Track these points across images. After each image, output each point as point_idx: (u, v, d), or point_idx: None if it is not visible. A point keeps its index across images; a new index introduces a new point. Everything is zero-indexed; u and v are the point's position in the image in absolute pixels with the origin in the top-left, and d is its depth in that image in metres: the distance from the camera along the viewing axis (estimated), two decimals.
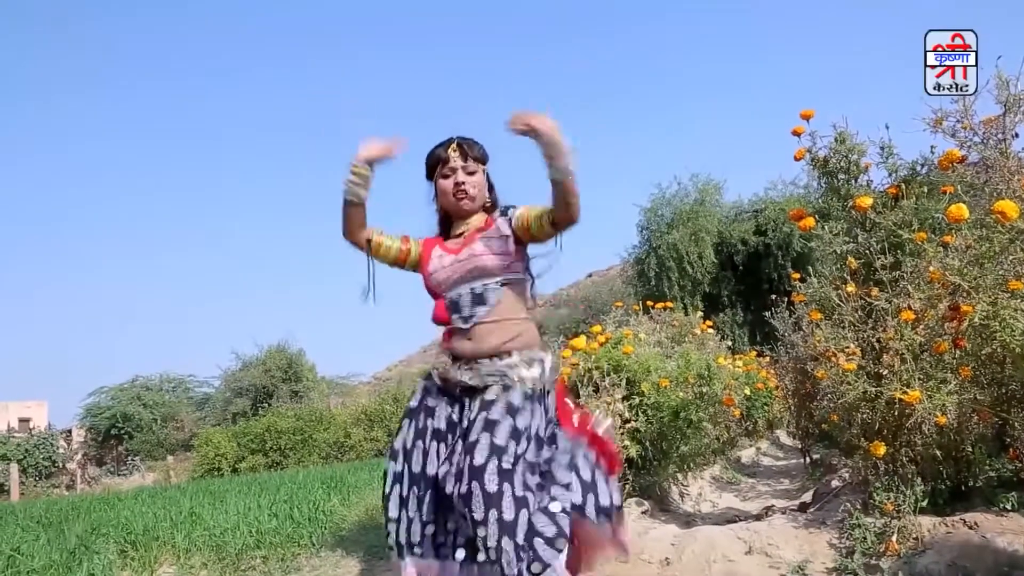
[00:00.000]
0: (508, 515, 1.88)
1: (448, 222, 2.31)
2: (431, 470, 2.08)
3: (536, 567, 1.90)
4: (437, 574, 2.06)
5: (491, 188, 2.30)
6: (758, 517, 3.86)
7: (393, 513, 2.10)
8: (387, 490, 2.14)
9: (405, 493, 2.10)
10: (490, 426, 1.97)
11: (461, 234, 2.24)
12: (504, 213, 2.26)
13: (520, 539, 1.89)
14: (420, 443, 2.12)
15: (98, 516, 5.92)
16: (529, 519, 1.93)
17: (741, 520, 3.83)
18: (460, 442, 2.03)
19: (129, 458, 26.81)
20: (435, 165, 2.24)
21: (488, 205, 2.29)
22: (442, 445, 2.10)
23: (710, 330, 7.42)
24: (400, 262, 2.27)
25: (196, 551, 3.97)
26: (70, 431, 29.45)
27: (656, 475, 4.54)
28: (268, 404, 25.28)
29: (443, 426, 2.12)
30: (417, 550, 2.07)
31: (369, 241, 2.22)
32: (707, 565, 2.87)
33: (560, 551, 1.95)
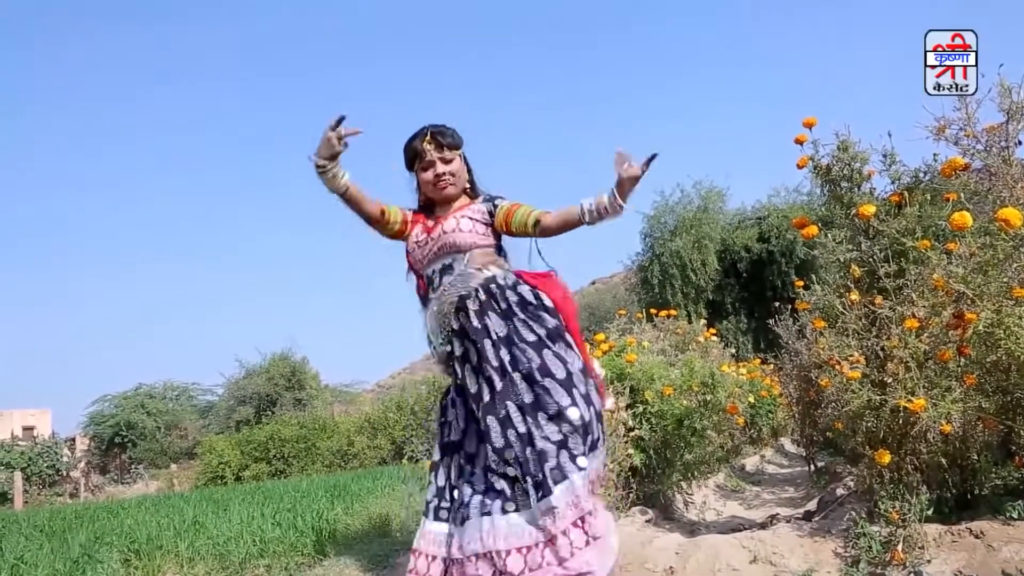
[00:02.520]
0: (522, 428, 2.02)
1: (431, 205, 2.39)
2: (455, 437, 2.24)
3: (558, 473, 1.99)
4: (455, 540, 2.11)
5: (469, 170, 2.39)
6: (763, 526, 3.84)
7: (441, 481, 2.23)
8: (436, 457, 2.27)
9: (462, 462, 2.21)
10: (480, 361, 2.14)
11: (438, 217, 2.35)
12: (488, 200, 2.35)
13: (539, 443, 2.01)
14: (444, 419, 2.31)
15: (101, 525, 5.93)
16: (541, 425, 2.04)
17: (746, 529, 3.81)
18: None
19: (133, 466, 26.82)
20: (413, 158, 2.31)
21: (468, 188, 2.38)
22: (459, 412, 2.26)
23: (714, 338, 7.41)
24: (400, 233, 2.37)
25: (199, 560, 3.96)
26: (74, 439, 29.49)
27: (660, 483, 4.53)
28: (271, 412, 25.27)
29: (458, 396, 2.28)
30: (443, 514, 2.19)
31: (383, 213, 2.29)
32: (712, 574, 2.86)
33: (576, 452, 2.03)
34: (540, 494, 1.94)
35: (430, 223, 2.31)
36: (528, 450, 1.98)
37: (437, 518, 2.20)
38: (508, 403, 2.05)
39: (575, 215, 2.20)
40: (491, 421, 2.05)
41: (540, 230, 2.25)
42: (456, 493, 2.17)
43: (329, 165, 2.12)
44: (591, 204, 2.17)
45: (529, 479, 1.96)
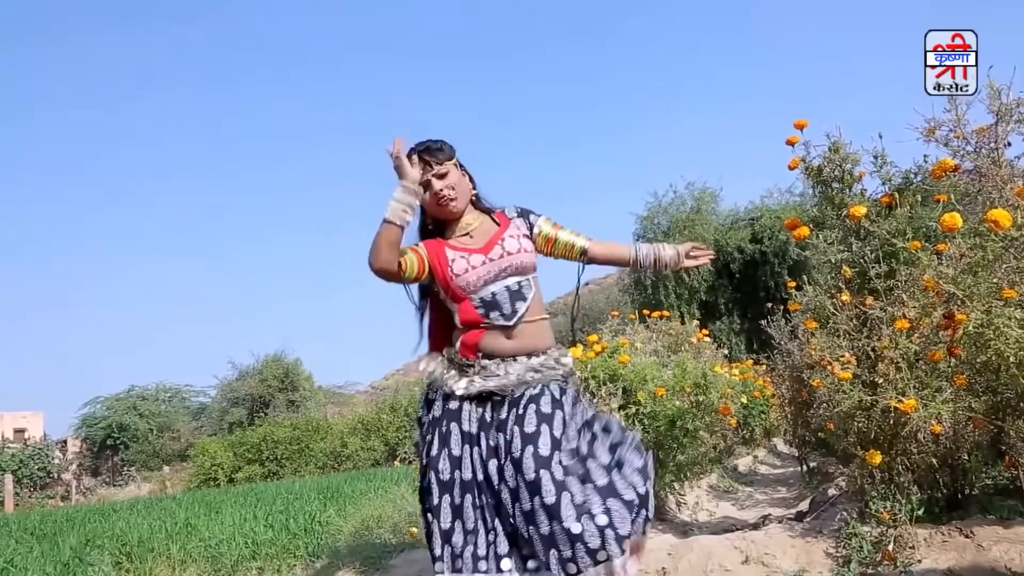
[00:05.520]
0: (579, 498, 1.91)
1: (441, 226, 2.28)
2: (467, 475, 2.05)
3: (606, 552, 1.90)
4: None
5: (471, 180, 2.29)
6: (755, 526, 3.85)
7: (446, 524, 2.03)
8: (436, 501, 2.06)
9: (458, 502, 2.04)
10: (545, 418, 2.00)
11: (466, 234, 2.22)
12: (523, 215, 2.30)
13: (597, 520, 1.90)
14: (446, 450, 2.08)
15: (93, 527, 5.90)
16: (593, 502, 1.93)
17: (738, 529, 3.82)
18: (513, 436, 2.00)
19: (125, 468, 26.72)
20: None
21: (473, 197, 2.29)
22: (475, 449, 2.06)
23: (706, 338, 7.41)
24: (418, 277, 2.19)
25: (191, 562, 3.96)
26: (65, 441, 29.34)
27: (653, 484, 4.53)
28: (264, 414, 25.22)
29: (473, 429, 2.08)
30: (459, 563, 2.01)
31: (400, 266, 2.11)
32: (704, 575, 2.87)
33: (625, 536, 1.94)
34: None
35: (471, 243, 2.20)
36: (585, 519, 1.91)
37: (455, 570, 2.01)
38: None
39: (625, 256, 2.37)
40: (543, 475, 1.92)
41: (587, 259, 2.34)
42: (471, 539, 2.01)
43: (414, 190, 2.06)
44: (648, 253, 2.37)
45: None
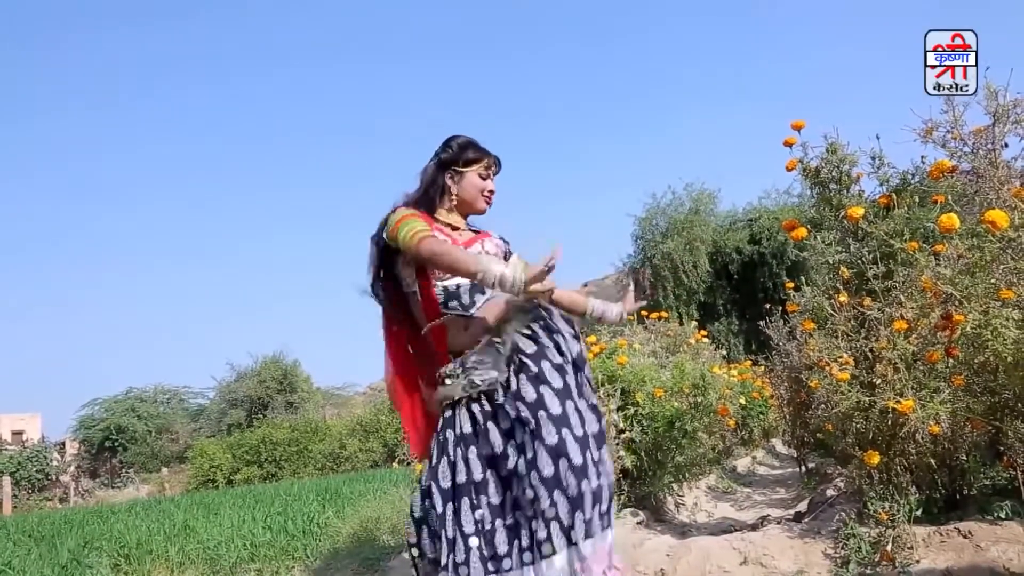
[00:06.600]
0: (577, 460, 1.86)
1: (433, 205, 2.27)
2: (461, 479, 1.99)
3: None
4: None
5: None
6: (753, 527, 3.85)
7: (451, 532, 1.95)
8: (440, 509, 1.98)
9: (454, 507, 1.97)
10: (541, 380, 1.95)
11: (455, 228, 2.24)
12: (506, 243, 2.38)
13: (594, 480, 1.87)
14: (445, 457, 2.03)
15: (91, 530, 5.90)
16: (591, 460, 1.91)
17: (736, 530, 3.82)
18: (519, 411, 1.94)
19: (123, 470, 26.65)
20: (476, 159, 2.26)
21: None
22: (471, 448, 2.00)
23: (705, 339, 7.43)
24: None
25: (190, 564, 3.95)
26: (63, 443, 29.27)
27: (651, 485, 4.53)
28: (263, 415, 25.19)
29: (469, 429, 2.02)
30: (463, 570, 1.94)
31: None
32: None
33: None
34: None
35: (454, 234, 2.22)
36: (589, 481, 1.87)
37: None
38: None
39: (582, 307, 2.47)
40: (538, 446, 1.87)
41: (551, 300, 2.36)
42: (475, 541, 1.92)
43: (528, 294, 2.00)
44: (596, 308, 2.50)
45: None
